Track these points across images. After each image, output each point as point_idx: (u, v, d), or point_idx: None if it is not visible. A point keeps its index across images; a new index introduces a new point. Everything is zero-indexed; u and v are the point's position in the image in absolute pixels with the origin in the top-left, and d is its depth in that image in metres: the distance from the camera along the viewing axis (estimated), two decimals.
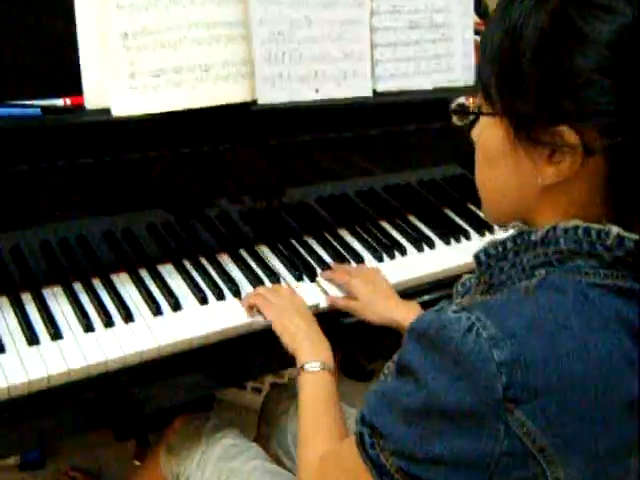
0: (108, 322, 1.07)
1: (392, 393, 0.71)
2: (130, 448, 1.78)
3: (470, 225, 1.50)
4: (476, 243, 1.46)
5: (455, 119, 0.78)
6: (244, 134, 1.18)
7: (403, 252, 1.38)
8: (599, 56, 0.63)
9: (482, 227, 1.49)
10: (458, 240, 1.45)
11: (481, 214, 1.53)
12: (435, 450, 0.66)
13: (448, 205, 1.56)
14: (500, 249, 0.75)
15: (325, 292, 1.23)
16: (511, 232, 0.76)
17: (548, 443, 0.64)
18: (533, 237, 0.71)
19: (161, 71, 1.04)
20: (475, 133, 0.76)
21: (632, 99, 0.64)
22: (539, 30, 0.66)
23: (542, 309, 0.66)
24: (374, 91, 1.30)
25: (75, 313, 1.08)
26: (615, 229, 0.67)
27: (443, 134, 1.44)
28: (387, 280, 1.23)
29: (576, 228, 0.68)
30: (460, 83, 1.40)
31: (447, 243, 1.43)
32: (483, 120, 0.74)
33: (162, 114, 1.06)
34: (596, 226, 0.68)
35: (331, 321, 1.20)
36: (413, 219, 1.50)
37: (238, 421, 1.80)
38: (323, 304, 1.20)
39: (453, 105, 0.78)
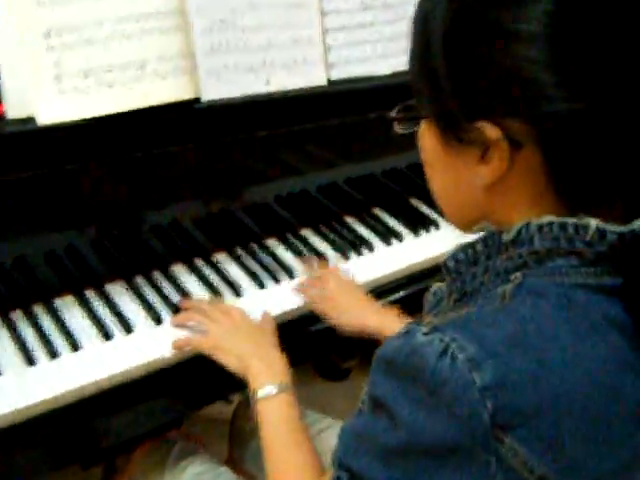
0: (53, 353, 0.97)
1: (366, 431, 0.64)
2: (98, 474, 1.69)
3: (440, 214, 1.42)
4: (446, 232, 1.38)
5: (397, 128, 0.72)
6: (189, 135, 1.08)
7: (370, 248, 1.30)
8: (515, 45, 0.58)
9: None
10: (428, 230, 1.38)
11: None
12: None
13: (415, 194, 1.48)
14: (470, 253, 0.68)
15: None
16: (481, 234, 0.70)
17: (547, 470, 0.57)
18: (504, 237, 0.65)
19: (90, 71, 0.94)
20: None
21: (558, 83, 0.57)
22: (443, 23, 0.61)
23: (523, 320, 0.59)
24: (328, 79, 1.21)
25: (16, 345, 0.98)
26: (594, 222, 0.60)
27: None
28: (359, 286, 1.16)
29: (550, 224, 0.62)
30: None
31: (416, 234, 1.36)
32: (421, 125, 0.69)
33: (95, 119, 0.96)
34: (572, 220, 0.61)
35: (300, 329, 1.13)
36: (379, 212, 1.42)
37: (209, 433, 1.72)
38: (297, 307, 1.13)
39: (392, 113, 0.72)
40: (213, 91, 1.06)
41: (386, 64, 1.26)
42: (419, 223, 1.38)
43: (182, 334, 1.03)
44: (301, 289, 1.16)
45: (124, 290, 1.11)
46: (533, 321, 0.59)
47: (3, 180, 0.92)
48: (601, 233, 0.60)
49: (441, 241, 1.34)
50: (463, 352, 0.56)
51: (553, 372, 0.57)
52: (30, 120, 0.93)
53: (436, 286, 0.81)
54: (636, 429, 0.60)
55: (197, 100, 1.05)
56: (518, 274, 0.63)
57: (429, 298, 0.81)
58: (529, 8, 0.57)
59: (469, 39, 0.60)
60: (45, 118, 0.93)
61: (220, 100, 1.07)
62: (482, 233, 0.69)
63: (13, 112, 0.93)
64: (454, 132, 0.63)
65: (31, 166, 0.94)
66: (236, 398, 1.77)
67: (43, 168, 0.95)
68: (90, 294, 1.09)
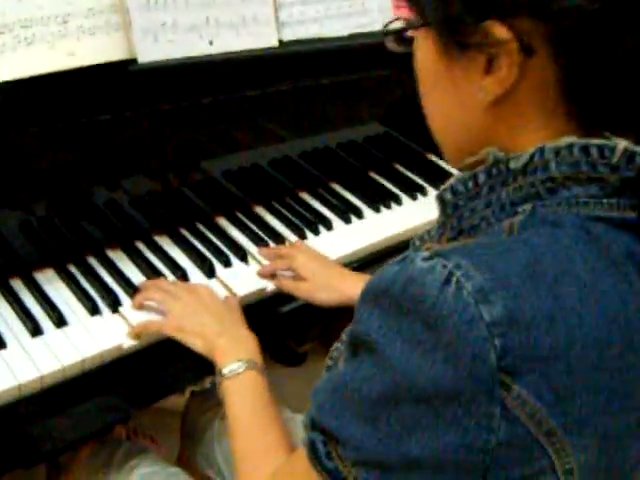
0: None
1: (345, 382, 0.56)
2: (41, 473, 1.58)
3: (400, 189, 1.34)
4: (409, 208, 1.30)
5: (391, 45, 0.65)
6: (123, 101, 0.96)
7: (328, 226, 1.20)
8: None
9: (414, 190, 1.33)
10: (388, 206, 1.29)
11: (411, 175, 1.38)
12: (410, 451, 0.51)
13: (373, 168, 1.39)
14: (471, 185, 0.60)
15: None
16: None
17: (557, 424, 0.50)
18: (513, 165, 0.57)
19: (5, 27, 0.81)
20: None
21: None
22: None
23: (538, 250, 0.52)
24: (280, 40, 1.10)
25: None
26: (622, 143, 0.54)
27: (362, 88, 1.28)
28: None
29: (571, 147, 0.55)
30: (377, 26, 1.22)
31: (377, 211, 1.27)
32: (417, 40, 0.62)
33: (11, 82, 0.83)
34: (597, 141, 0.54)
35: (266, 310, 1.03)
36: (337, 187, 1.32)
37: (160, 427, 1.62)
38: (269, 288, 1.04)
39: (385, 28, 0.65)
40: (150, 52, 0.94)
41: (343, 24, 1.16)
42: (380, 199, 1.29)
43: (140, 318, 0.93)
44: (273, 278, 1.04)
45: (55, 278, 0.99)
46: (549, 252, 0.52)
47: None
48: (629, 155, 0.53)
49: (404, 217, 1.25)
50: (470, 281, 0.49)
51: (570, 311, 0.50)
52: None
53: (424, 230, 0.71)
54: None
55: (132, 61, 0.93)
56: (527, 205, 0.55)
57: (416, 243, 0.71)
58: None
59: None
60: None
61: (158, 62, 0.95)
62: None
63: None
64: (457, 38, 0.56)
65: None
66: (188, 390, 1.68)
67: None
68: (16, 285, 0.96)
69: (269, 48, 1.09)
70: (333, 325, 1.08)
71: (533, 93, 0.55)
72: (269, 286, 1.03)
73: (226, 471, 1.10)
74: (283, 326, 1.12)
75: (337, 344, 0.73)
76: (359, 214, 1.25)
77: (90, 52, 0.87)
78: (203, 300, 0.92)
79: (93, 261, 1.02)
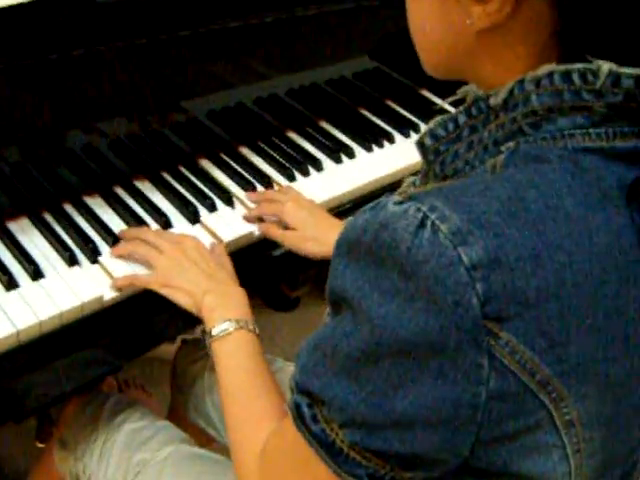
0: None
1: (325, 340, 0.53)
2: (31, 427, 1.56)
3: (392, 126, 1.28)
4: (402, 146, 1.25)
5: None
6: (94, 34, 0.89)
7: (318, 167, 1.15)
8: None
9: (406, 127, 1.28)
10: (381, 145, 1.23)
11: (403, 112, 1.32)
12: (396, 408, 0.49)
13: (364, 105, 1.33)
14: (451, 127, 0.56)
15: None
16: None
17: (551, 372, 0.47)
18: (492, 101, 0.53)
19: None
20: None
21: None
22: None
23: (520, 185, 0.48)
24: None
25: None
26: (606, 65, 0.49)
27: (350, 19, 1.21)
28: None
29: (551, 75, 0.50)
30: None
31: (369, 150, 1.22)
32: None
33: None
34: (579, 65, 0.50)
35: (258, 254, 0.99)
36: (326, 125, 1.26)
37: (152, 376, 1.60)
38: (257, 232, 0.99)
39: None
40: None
41: None
42: (372, 137, 1.23)
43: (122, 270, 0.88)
44: (262, 228, 0.99)
45: (29, 225, 0.93)
46: (533, 186, 0.48)
47: None
48: (614, 78, 0.49)
49: (397, 156, 1.20)
50: (446, 222, 0.46)
51: (558, 248, 0.47)
52: None
53: (408, 180, 0.67)
54: None
55: None
56: (510, 143, 0.52)
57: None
58: None
59: None
60: None
61: None
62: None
63: None
64: None
65: None
66: (179, 338, 1.65)
67: None
68: None
69: None
70: (328, 268, 1.03)
71: (524, 28, 0.51)
72: (257, 230, 0.98)
73: (217, 421, 1.07)
74: (275, 270, 1.07)
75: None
76: (350, 153, 1.19)
77: None
78: (189, 253, 0.86)
79: (70, 209, 0.96)
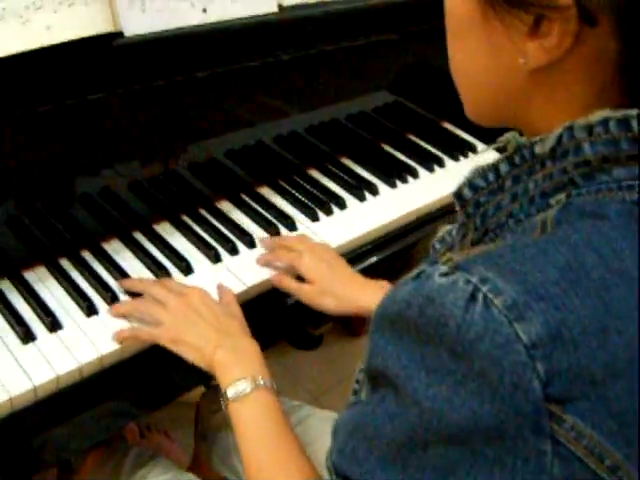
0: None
1: (366, 421, 0.49)
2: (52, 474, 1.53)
3: (416, 161, 1.25)
4: (426, 181, 1.22)
5: None
6: (111, 79, 0.87)
7: (342, 205, 1.12)
8: None
9: (430, 161, 1.25)
10: (405, 180, 1.20)
11: (426, 145, 1.30)
12: None
13: (386, 140, 1.30)
14: (492, 177, 0.52)
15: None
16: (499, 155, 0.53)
17: (622, 456, 0.42)
18: (538, 149, 0.49)
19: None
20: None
21: None
22: None
23: (579, 248, 0.44)
24: (279, 5, 1.01)
25: None
26: None
27: (369, 54, 1.19)
28: (341, 257, 0.96)
29: (605, 122, 0.46)
30: None
31: (392, 186, 1.19)
32: None
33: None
34: (637, 112, 0.46)
35: (279, 299, 0.95)
36: (348, 162, 1.23)
37: (175, 419, 1.57)
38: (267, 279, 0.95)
39: None
40: (137, 23, 0.85)
41: None
42: (395, 172, 1.20)
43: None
44: (275, 279, 0.94)
45: (47, 275, 0.91)
46: (592, 249, 0.44)
47: None
48: None
49: (422, 192, 1.17)
50: (500, 296, 0.42)
51: (625, 319, 0.43)
52: None
53: (444, 230, 0.63)
54: None
55: (118, 35, 0.84)
56: (560, 195, 0.48)
57: (436, 246, 0.64)
58: None
59: None
60: None
61: (146, 34, 0.86)
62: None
63: None
64: None
65: None
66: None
67: None
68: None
69: (268, 14, 0.99)
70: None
71: (585, 66, 0.48)
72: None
73: (242, 470, 1.03)
74: (298, 313, 1.04)
75: (358, 371, 0.64)
76: (374, 190, 1.16)
77: (69, 26, 0.78)
78: (196, 306, 0.81)
79: (88, 256, 0.94)
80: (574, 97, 0.49)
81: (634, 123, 0.46)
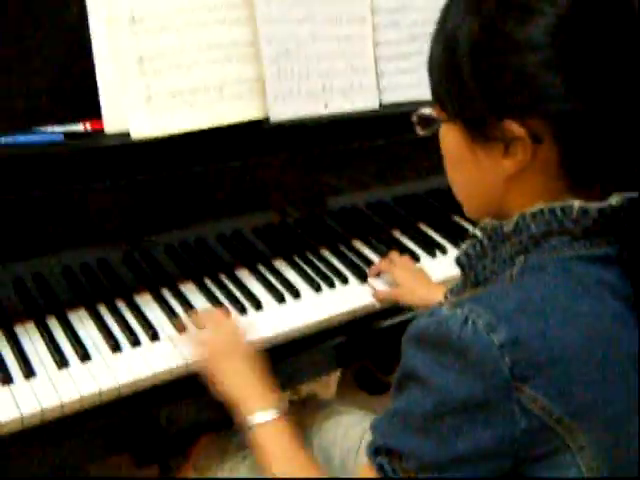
0: (135, 341, 1.09)
1: (401, 410, 0.71)
2: (152, 475, 1.76)
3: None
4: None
5: (419, 129, 0.81)
6: (257, 151, 1.19)
7: (416, 259, 1.39)
8: (531, 54, 0.67)
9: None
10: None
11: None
12: (458, 450, 0.66)
13: (456, 212, 1.56)
14: (478, 248, 0.78)
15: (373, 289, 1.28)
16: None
17: (563, 412, 0.65)
18: (505, 229, 0.74)
19: (177, 92, 1.07)
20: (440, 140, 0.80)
21: (568, 86, 0.67)
22: (471, 38, 0.70)
23: (528, 289, 0.68)
24: (380, 103, 1.32)
25: (102, 334, 1.09)
26: (576, 203, 0.70)
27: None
28: (421, 268, 1.32)
29: (541, 211, 0.71)
30: None
31: (459, 248, 1.44)
32: (443, 127, 0.77)
33: (178, 135, 1.08)
34: (558, 204, 0.71)
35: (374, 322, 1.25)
36: (424, 226, 1.51)
37: None
38: (377, 304, 1.26)
39: (413, 117, 0.82)
40: (279, 112, 1.18)
41: None
42: (461, 238, 1.46)
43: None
44: (375, 294, 1.26)
45: (195, 290, 1.22)
46: (536, 290, 0.68)
47: (102, 187, 1.05)
48: (583, 211, 0.70)
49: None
50: (480, 319, 0.65)
51: (557, 328, 0.65)
52: (125, 135, 1.06)
53: (453, 284, 0.88)
54: (631, 370, 0.69)
55: (265, 120, 1.17)
56: (521, 257, 0.73)
57: (447, 295, 0.89)
58: (537, 21, 0.66)
59: (491, 48, 0.68)
60: (137, 133, 1.07)
61: (285, 121, 1.19)
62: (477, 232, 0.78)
63: (110, 127, 1.06)
64: (481, 131, 0.71)
65: (125, 174, 1.06)
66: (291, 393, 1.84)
67: (135, 176, 1.07)
68: (165, 292, 1.21)
69: (372, 109, 1.31)
70: None
71: (540, 167, 0.70)
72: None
73: (324, 468, 1.23)
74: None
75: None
76: (443, 250, 1.43)
77: (236, 113, 1.12)
78: (233, 340, 1.04)
79: (121, 304, 1.16)
80: (534, 189, 0.72)
81: (558, 211, 0.70)
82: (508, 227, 0.74)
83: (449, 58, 0.72)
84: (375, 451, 0.72)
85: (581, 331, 0.67)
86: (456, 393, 0.65)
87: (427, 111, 0.79)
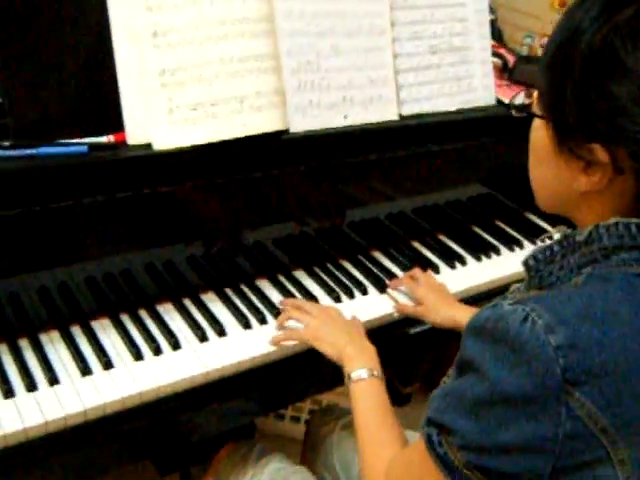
0: (157, 350, 1.10)
1: (456, 391, 0.74)
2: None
3: (499, 241, 1.53)
4: (507, 258, 1.49)
5: (514, 112, 0.84)
6: (277, 162, 1.21)
7: (436, 270, 1.40)
8: (635, 87, 0.67)
9: (511, 242, 1.52)
10: (489, 256, 1.48)
11: (509, 231, 1.56)
12: (501, 439, 0.68)
13: (475, 223, 1.59)
14: (548, 253, 0.79)
15: (395, 300, 1.30)
16: (556, 236, 0.81)
17: (609, 423, 0.66)
18: (578, 238, 0.76)
19: (198, 105, 1.09)
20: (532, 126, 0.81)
21: None
22: (590, 47, 0.69)
23: (591, 298, 0.69)
24: (400, 115, 1.33)
25: (124, 343, 1.11)
26: None
27: (466, 154, 1.48)
28: (444, 285, 1.31)
29: (616, 224, 0.73)
30: (481, 103, 1.44)
31: (478, 259, 1.46)
32: (536, 120, 0.79)
33: (201, 146, 1.10)
34: (635, 220, 0.72)
35: (392, 332, 1.27)
36: (443, 237, 1.52)
37: (279, 450, 1.81)
38: (396, 314, 1.27)
39: (514, 101, 0.85)
40: (299, 124, 1.19)
41: (451, 101, 1.39)
42: (480, 249, 1.48)
43: (267, 337, 1.15)
44: (399, 308, 1.28)
45: (216, 299, 1.24)
46: (599, 299, 0.69)
47: (124, 196, 1.07)
48: None
49: (502, 266, 1.45)
50: (541, 319, 0.67)
51: (615, 339, 0.66)
52: (147, 146, 1.08)
53: (515, 286, 0.90)
54: None
55: (285, 131, 1.19)
56: (589, 268, 0.74)
57: (508, 297, 0.88)
58: None
59: (605, 75, 0.68)
60: (159, 145, 1.08)
61: (305, 132, 1.21)
62: (556, 236, 0.81)
63: (133, 139, 1.08)
64: (568, 143, 0.73)
65: (148, 185, 1.08)
66: (303, 415, 1.88)
67: (158, 187, 1.09)
68: (187, 302, 1.23)
69: (391, 121, 1.32)
70: (438, 369, 1.29)
71: (614, 193, 0.73)
72: None
73: (342, 476, 1.28)
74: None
75: (445, 378, 0.92)
76: (463, 262, 1.44)
77: (257, 124, 1.14)
78: (333, 316, 1.14)
79: (143, 313, 1.19)
80: (605, 209, 0.74)
81: (632, 227, 0.71)
82: (581, 237, 0.75)
83: (562, 62, 0.72)
84: (428, 422, 0.75)
85: (637, 345, 0.67)
86: (507, 386, 0.67)
87: (527, 101, 0.82)
